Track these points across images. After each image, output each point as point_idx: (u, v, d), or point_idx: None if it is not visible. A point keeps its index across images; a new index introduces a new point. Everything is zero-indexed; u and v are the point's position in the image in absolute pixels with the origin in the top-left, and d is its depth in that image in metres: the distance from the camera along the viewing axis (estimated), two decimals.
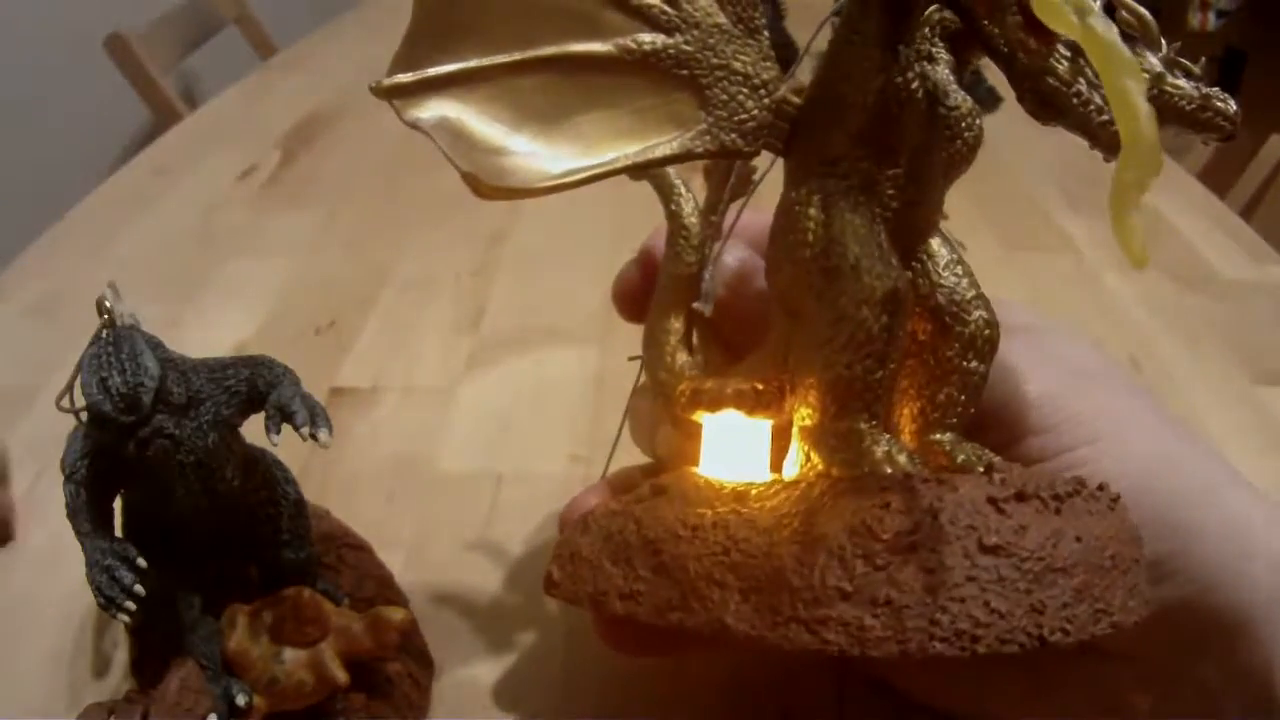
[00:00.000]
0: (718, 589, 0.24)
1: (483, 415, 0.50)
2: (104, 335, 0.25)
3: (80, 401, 0.26)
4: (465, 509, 0.43)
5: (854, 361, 0.24)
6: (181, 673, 0.28)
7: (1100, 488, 0.25)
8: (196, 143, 0.87)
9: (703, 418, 0.29)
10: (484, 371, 0.53)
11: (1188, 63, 0.25)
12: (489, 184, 0.24)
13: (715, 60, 0.25)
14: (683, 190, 0.32)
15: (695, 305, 0.31)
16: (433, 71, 0.24)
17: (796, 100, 0.26)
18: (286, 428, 0.27)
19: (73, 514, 0.26)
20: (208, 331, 0.56)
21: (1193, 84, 0.25)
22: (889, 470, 0.24)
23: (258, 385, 0.27)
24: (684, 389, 0.29)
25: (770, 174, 0.29)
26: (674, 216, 0.32)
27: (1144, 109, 0.21)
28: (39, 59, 1.30)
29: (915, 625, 0.21)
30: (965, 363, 0.26)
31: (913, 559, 0.22)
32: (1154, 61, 0.25)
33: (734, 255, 0.31)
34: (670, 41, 0.25)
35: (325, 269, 0.64)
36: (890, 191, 0.25)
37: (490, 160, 0.24)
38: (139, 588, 0.25)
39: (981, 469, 0.25)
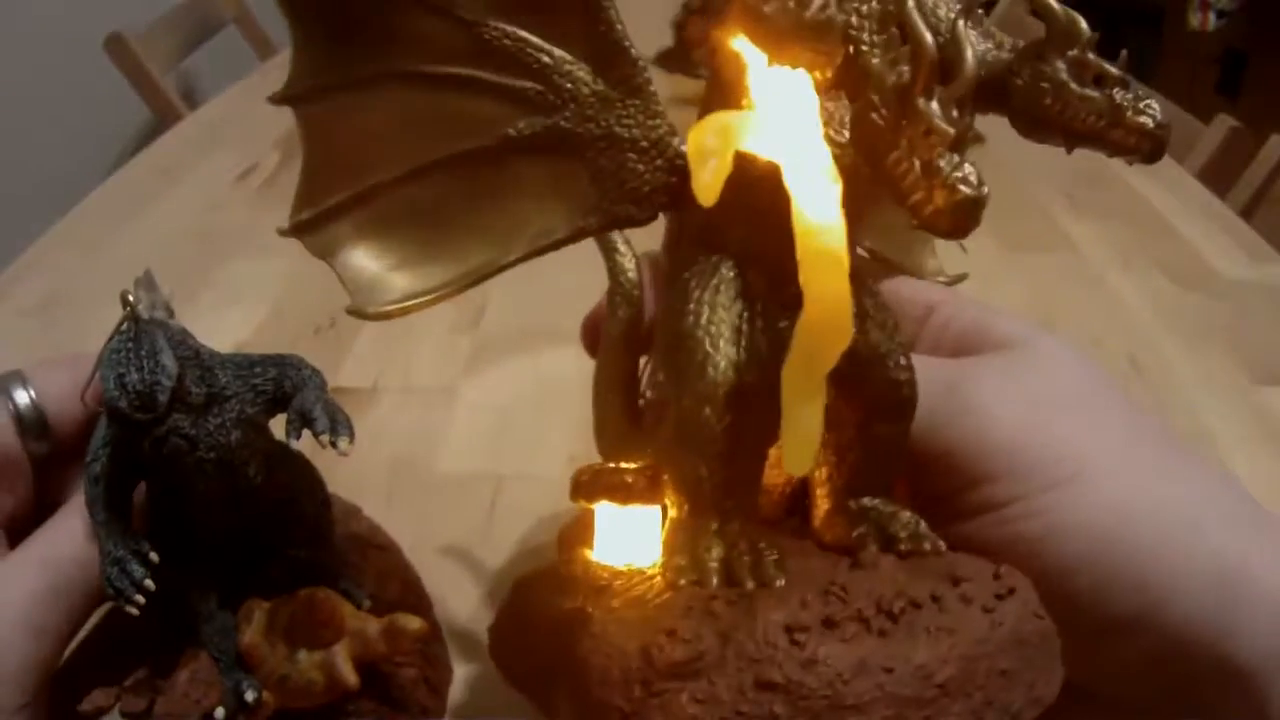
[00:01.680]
0: (556, 689, 0.25)
1: (483, 415, 0.50)
2: (125, 329, 0.25)
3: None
4: (465, 510, 0.43)
5: (698, 463, 0.24)
6: (193, 664, 0.28)
7: (996, 575, 0.23)
8: (196, 143, 0.87)
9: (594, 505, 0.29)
10: (484, 371, 0.53)
11: (1104, 64, 0.23)
12: (374, 310, 0.25)
13: (597, 131, 0.24)
14: (620, 247, 0.31)
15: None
16: (329, 202, 0.25)
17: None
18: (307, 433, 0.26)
19: (90, 502, 0.26)
20: (207, 332, 0.55)
21: (1104, 92, 0.23)
22: (715, 582, 0.23)
23: (284, 386, 0.27)
24: (574, 475, 0.29)
25: None
26: (612, 273, 0.31)
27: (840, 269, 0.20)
28: (39, 59, 1.30)
29: None
30: (870, 429, 0.25)
31: (687, 688, 0.22)
32: (1059, 67, 0.23)
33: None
34: (548, 122, 0.24)
35: (325, 269, 0.64)
36: (775, 252, 0.23)
37: (385, 279, 0.25)
38: (149, 582, 0.25)
39: (874, 548, 0.24)
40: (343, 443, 0.26)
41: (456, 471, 0.46)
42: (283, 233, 0.25)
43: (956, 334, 0.28)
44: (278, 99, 0.25)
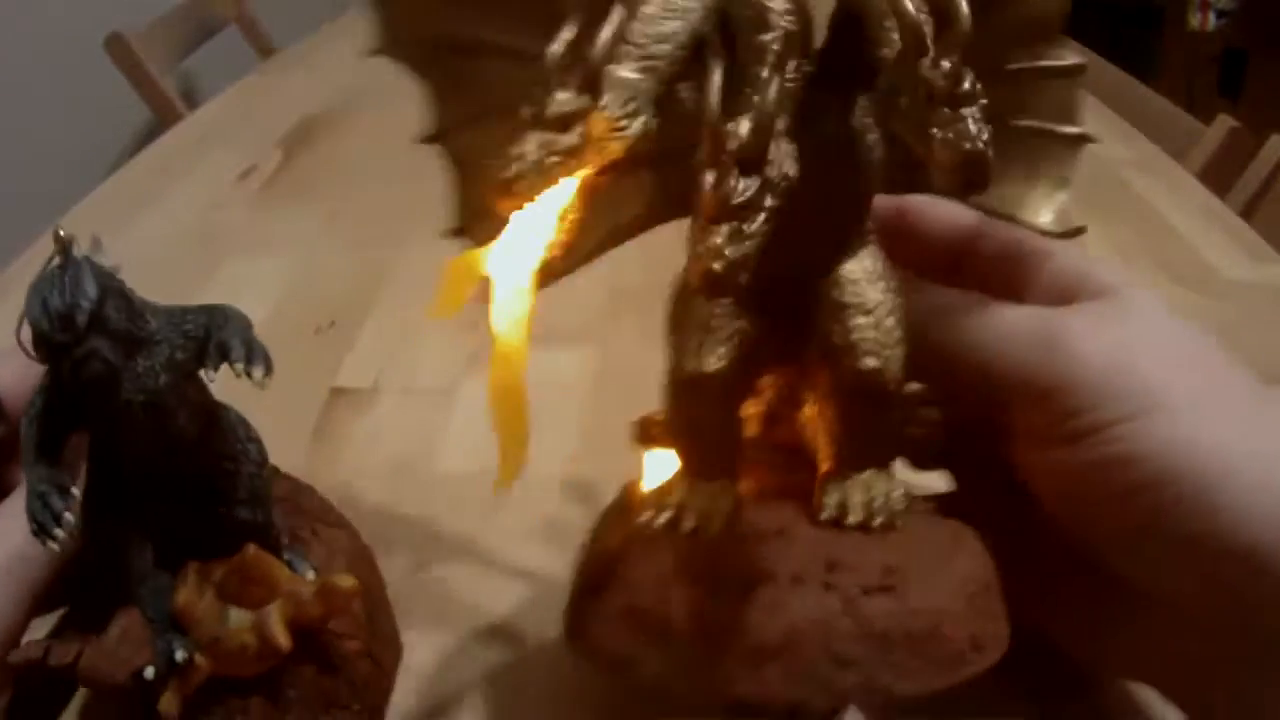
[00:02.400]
0: (585, 597, 0.30)
1: (483, 415, 0.49)
2: (54, 260, 0.25)
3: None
4: (465, 510, 0.43)
5: (679, 434, 0.29)
6: (124, 622, 0.28)
7: (888, 569, 0.27)
8: (196, 143, 0.87)
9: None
10: (484, 371, 0.53)
11: (937, 80, 0.19)
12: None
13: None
14: None
15: None
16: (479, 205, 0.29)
17: None
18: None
19: (24, 443, 0.26)
20: None
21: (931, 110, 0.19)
22: (660, 523, 0.27)
23: (212, 331, 0.27)
24: (638, 421, 0.32)
25: None
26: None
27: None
28: (39, 59, 1.30)
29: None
30: (851, 409, 0.27)
31: (602, 603, 0.28)
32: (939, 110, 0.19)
33: None
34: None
35: (325, 268, 0.64)
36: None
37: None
38: (69, 515, 0.25)
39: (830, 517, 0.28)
40: (257, 372, 0.26)
41: (456, 471, 0.46)
42: (445, 236, 0.29)
43: (1070, 276, 0.30)
44: (425, 139, 0.29)
